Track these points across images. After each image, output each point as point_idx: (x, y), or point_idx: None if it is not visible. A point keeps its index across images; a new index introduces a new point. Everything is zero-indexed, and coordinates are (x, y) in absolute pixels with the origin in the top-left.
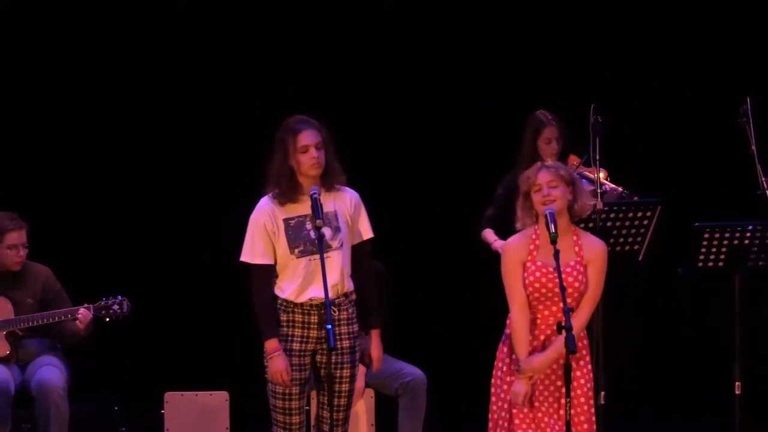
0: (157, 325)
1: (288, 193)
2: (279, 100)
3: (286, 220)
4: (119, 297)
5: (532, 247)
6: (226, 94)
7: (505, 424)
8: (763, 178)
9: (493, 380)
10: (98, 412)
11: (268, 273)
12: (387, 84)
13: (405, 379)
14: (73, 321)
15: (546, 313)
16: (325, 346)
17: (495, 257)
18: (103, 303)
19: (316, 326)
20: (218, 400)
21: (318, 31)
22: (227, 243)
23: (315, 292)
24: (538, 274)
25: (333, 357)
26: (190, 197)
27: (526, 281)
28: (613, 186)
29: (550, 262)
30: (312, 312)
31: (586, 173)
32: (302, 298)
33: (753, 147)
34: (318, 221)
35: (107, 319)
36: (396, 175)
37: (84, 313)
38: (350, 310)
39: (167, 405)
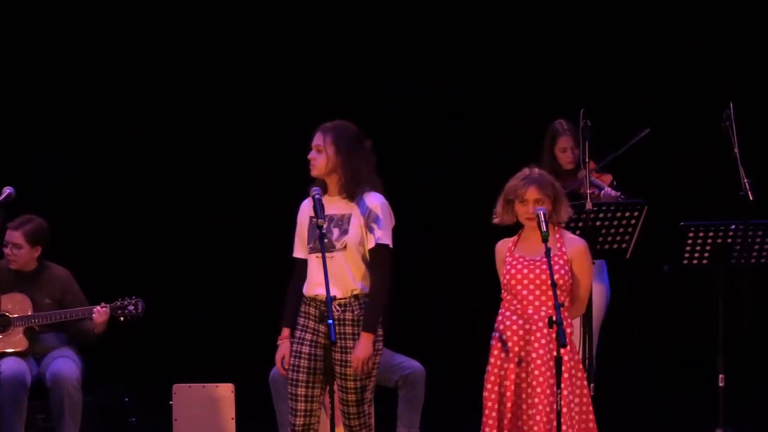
0: (166, 320)
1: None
2: (292, 101)
3: (311, 218)
4: (134, 297)
5: (511, 244)
6: (238, 96)
7: (494, 414)
8: (746, 180)
9: (486, 375)
10: (110, 402)
11: (300, 266)
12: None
13: (405, 371)
14: (89, 320)
15: (536, 303)
16: (337, 343)
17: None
18: (119, 303)
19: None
20: (224, 391)
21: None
22: (237, 240)
23: (319, 290)
24: (516, 263)
25: (338, 355)
26: (201, 196)
27: (506, 273)
28: (610, 190)
29: (527, 254)
30: (321, 307)
31: (594, 179)
32: (311, 293)
33: (735, 150)
34: (320, 220)
35: (122, 319)
36: (400, 173)
37: (99, 311)
38: (356, 312)
39: (175, 396)
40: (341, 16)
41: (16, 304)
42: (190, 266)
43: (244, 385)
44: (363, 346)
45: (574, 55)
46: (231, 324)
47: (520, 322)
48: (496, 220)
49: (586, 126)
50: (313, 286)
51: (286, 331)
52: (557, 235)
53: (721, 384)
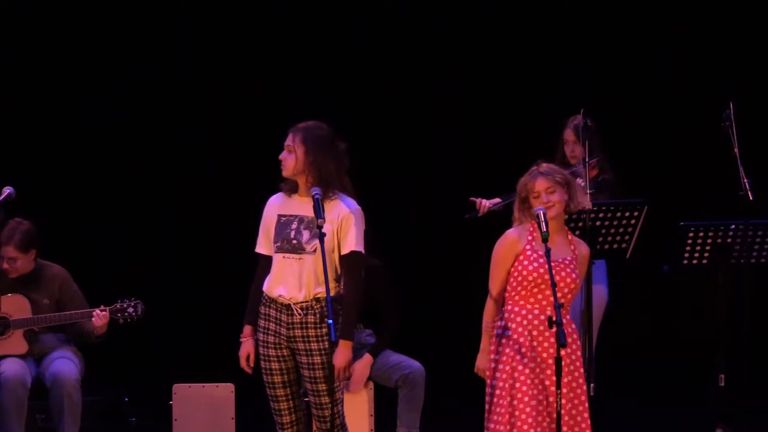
0: (166, 320)
1: (288, 190)
2: (292, 101)
3: (279, 216)
4: (133, 299)
5: (530, 237)
6: (238, 97)
7: (504, 410)
8: (745, 179)
9: (494, 373)
10: (109, 402)
11: (264, 263)
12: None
13: (405, 371)
14: (89, 321)
15: (541, 298)
16: (300, 347)
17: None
18: (118, 305)
19: (285, 325)
20: (224, 391)
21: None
22: (237, 240)
23: (282, 291)
24: (541, 260)
25: (305, 358)
26: (201, 196)
27: (526, 267)
28: (580, 180)
29: (552, 255)
30: (281, 310)
31: (578, 169)
32: (272, 293)
33: (735, 149)
34: (319, 220)
35: (121, 321)
36: (400, 173)
37: (99, 315)
38: (318, 315)
39: (175, 396)
40: (341, 17)
41: (16, 307)
42: (189, 267)
43: (244, 385)
44: (342, 354)
45: (575, 54)
46: (231, 324)
47: (535, 322)
48: (515, 225)
49: (586, 126)
50: (276, 286)
51: (248, 329)
52: (569, 236)
53: (721, 384)
